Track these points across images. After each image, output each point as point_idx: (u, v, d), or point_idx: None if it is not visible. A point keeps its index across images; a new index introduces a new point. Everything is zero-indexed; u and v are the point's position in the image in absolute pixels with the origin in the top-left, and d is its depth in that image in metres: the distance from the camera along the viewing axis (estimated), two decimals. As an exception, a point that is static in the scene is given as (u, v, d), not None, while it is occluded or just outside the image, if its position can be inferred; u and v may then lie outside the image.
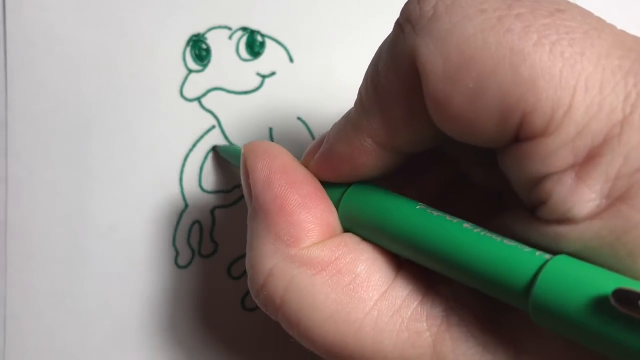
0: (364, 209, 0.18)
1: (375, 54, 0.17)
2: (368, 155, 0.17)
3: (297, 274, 0.17)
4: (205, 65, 0.27)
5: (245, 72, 0.27)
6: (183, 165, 0.27)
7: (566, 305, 0.13)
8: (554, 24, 0.14)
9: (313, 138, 0.27)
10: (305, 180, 0.18)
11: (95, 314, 0.27)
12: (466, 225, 0.15)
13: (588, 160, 0.13)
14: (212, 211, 0.27)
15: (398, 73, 0.15)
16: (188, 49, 0.27)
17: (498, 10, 0.14)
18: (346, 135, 0.18)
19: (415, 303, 0.16)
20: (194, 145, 0.27)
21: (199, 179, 0.27)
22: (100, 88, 0.27)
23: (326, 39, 0.27)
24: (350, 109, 0.18)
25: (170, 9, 0.27)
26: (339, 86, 0.27)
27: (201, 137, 0.27)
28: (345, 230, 0.19)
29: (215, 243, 0.27)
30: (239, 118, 0.27)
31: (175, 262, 0.27)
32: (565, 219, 0.14)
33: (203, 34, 0.27)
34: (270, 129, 0.27)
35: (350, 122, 0.17)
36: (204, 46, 0.27)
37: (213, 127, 0.27)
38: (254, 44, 0.27)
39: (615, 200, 0.13)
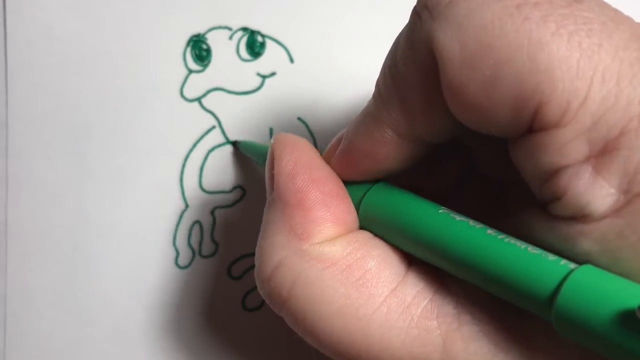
0: (386, 211, 0.18)
1: (393, 44, 0.17)
2: (389, 147, 0.17)
3: (307, 267, 0.17)
4: (205, 66, 0.27)
5: (246, 73, 0.27)
6: (183, 165, 0.27)
7: (590, 318, 0.13)
8: (572, 14, 0.14)
9: (313, 138, 0.27)
10: (329, 179, 0.18)
11: (95, 314, 0.27)
12: (490, 231, 0.15)
13: (605, 152, 0.13)
14: (212, 211, 0.27)
15: (416, 61, 0.15)
16: (188, 49, 0.27)
17: None
18: (366, 128, 0.17)
19: (426, 301, 0.16)
20: (194, 145, 0.27)
21: (199, 179, 0.27)
22: (100, 88, 0.27)
23: (326, 39, 0.27)
24: (368, 103, 0.18)
25: (170, 9, 0.27)
26: (339, 86, 0.27)
27: (201, 137, 0.27)
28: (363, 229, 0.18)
29: (216, 243, 0.27)
30: (239, 118, 0.27)
31: (176, 263, 0.27)
32: (582, 216, 0.13)
33: (203, 34, 0.27)
34: (271, 129, 0.27)
35: (369, 115, 0.17)
36: (204, 46, 0.27)
37: (213, 127, 0.27)
38: (255, 45, 0.27)
39: (634, 196, 0.13)
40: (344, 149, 0.18)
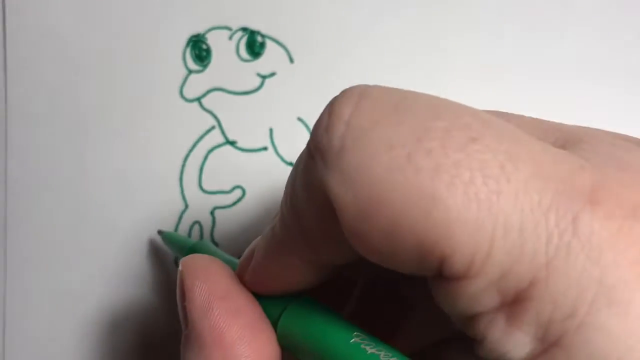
0: (300, 336, 0.17)
1: (292, 171, 0.16)
2: (298, 272, 0.17)
3: None
4: (205, 66, 0.27)
5: (246, 73, 0.27)
6: (183, 165, 0.27)
7: None
8: (466, 159, 0.13)
9: (313, 138, 0.27)
10: (246, 308, 0.17)
11: (95, 314, 0.27)
12: None
13: (517, 302, 0.13)
14: (212, 212, 0.27)
15: (313, 200, 0.15)
16: (188, 50, 0.27)
17: (407, 146, 0.13)
18: (273, 252, 0.17)
19: None
20: (194, 145, 0.27)
21: (199, 179, 0.27)
22: (100, 88, 0.27)
23: (326, 39, 0.27)
24: (274, 222, 0.17)
25: (170, 10, 0.27)
26: (339, 86, 0.27)
27: (201, 137, 0.27)
28: (286, 349, 0.18)
29: (216, 244, 0.27)
30: (239, 118, 0.27)
31: (175, 263, 0.27)
32: None
33: (203, 35, 0.27)
34: (271, 129, 0.27)
35: (275, 239, 0.17)
36: (204, 47, 0.27)
37: (213, 127, 0.27)
38: (254, 45, 0.27)
39: (550, 345, 0.12)
40: (254, 268, 0.18)
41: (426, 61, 0.27)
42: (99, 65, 0.27)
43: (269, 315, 0.18)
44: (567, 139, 0.15)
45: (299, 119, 0.27)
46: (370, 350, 0.15)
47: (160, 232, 0.26)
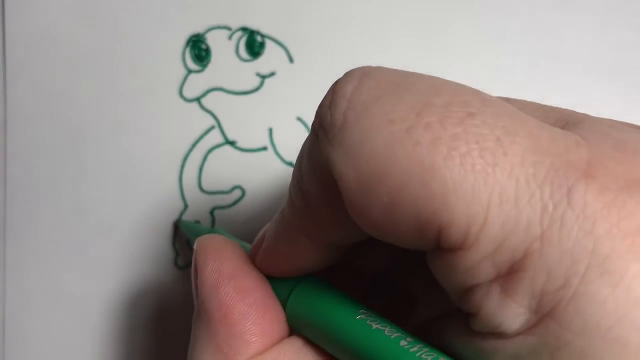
0: (308, 315, 0.17)
1: (299, 154, 0.16)
2: (307, 252, 0.17)
3: None
4: (204, 66, 0.27)
5: (245, 73, 0.27)
6: (182, 165, 0.27)
7: None
8: (464, 133, 0.13)
9: (313, 138, 0.27)
10: (254, 287, 0.18)
11: (95, 314, 0.27)
12: (403, 342, 0.15)
13: (512, 274, 0.13)
14: (211, 212, 0.27)
15: (318, 178, 0.15)
16: (187, 49, 0.27)
17: (407, 121, 0.13)
18: (283, 234, 0.17)
19: None
20: (194, 145, 0.27)
21: (198, 179, 0.27)
22: (99, 88, 0.27)
23: (326, 39, 0.27)
24: (284, 206, 0.17)
25: (169, 9, 0.27)
26: (339, 86, 0.27)
27: (201, 137, 0.27)
28: (295, 329, 0.18)
29: (215, 244, 0.27)
30: (238, 118, 0.27)
31: (175, 263, 0.27)
32: (496, 333, 0.13)
33: (203, 34, 0.27)
34: (270, 129, 0.27)
35: (284, 221, 0.17)
36: (203, 46, 0.27)
37: (213, 127, 0.27)
38: (254, 44, 0.27)
39: (544, 316, 0.13)
40: (265, 250, 0.18)
41: (426, 61, 0.27)
42: (99, 65, 0.27)
43: (279, 295, 0.18)
44: (567, 121, 0.15)
45: (299, 119, 0.27)
46: (375, 326, 0.16)
47: (179, 222, 0.27)
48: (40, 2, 0.27)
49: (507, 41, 0.27)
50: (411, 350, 0.15)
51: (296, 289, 0.18)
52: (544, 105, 0.16)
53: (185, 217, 0.27)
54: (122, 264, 0.27)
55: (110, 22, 0.27)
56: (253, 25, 0.27)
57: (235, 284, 0.18)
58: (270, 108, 0.27)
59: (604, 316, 0.12)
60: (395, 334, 0.15)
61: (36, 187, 0.27)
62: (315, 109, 0.15)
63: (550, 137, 0.13)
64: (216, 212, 0.27)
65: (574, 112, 0.16)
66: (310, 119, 0.27)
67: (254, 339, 0.17)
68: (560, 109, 0.16)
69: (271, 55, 0.27)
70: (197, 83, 0.27)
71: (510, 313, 0.13)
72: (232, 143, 0.27)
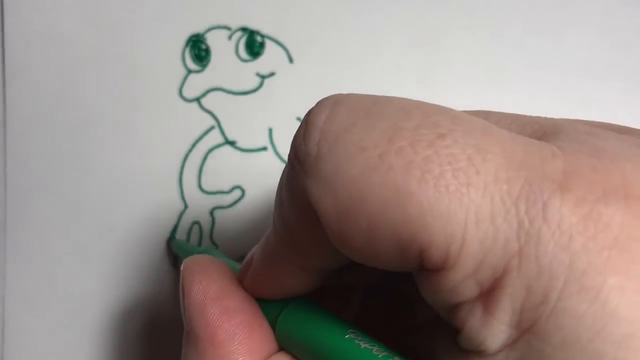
0: (298, 335, 0.17)
1: (279, 183, 0.16)
2: (293, 278, 0.17)
3: None
4: (204, 66, 0.27)
5: (245, 73, 0.27)
6: (182, 166, 0.27)
7: None
8: (435, 155, 0.13)
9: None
10: (241, 308, 0.18)
11: (95, 314, 0.27)
12: None
13: (493, 291, 0.13)
14: (211, 212, 0.27)
15: (298, 208, 0.15)
16: (187, 49, 0.27)
17: (379, 147, 0.13)
18: (267, 261, 0.17)
19: None
20: (193, 146, 0.27)
21: (198, 179, 0.27)
22: (99, 88, 0.27)
23: (326, 39, 0.27)
24: (269, 231, 0.17)
25: (169, 9, 0.27)
26: (339, 86, 0.27)
27: (200, 137, 0.27)
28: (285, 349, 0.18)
29: (215, 244, 0.27)
30: (238, 118, 0.27)
31: (174, 264, 0.27)
32: (480, 351, 0.13)
33: (202, 34, 0.27)
34: (270, 130, 0.27)
35: (269, 247, 0.17)
36: (203, 46, 0.27)
37: (212, 127, 0.27)
38: (254, 45, 0.27)
39: (525, 331, 0.13)
40: (252, 273, 0.18)
41: (426, 62, 0.27)
42: (99, 65, 0.27)
43: (268, 316, 0.18)
44: (545, 131, 0.15)
45: (299, 119, 0.27)
46: (363, 345, 0.16)
47: (170, 240, 0.27)
48: (40, 2, 0.27)
49: (507, 42, 0.27)
50: None
51: (285, 310, 0.18)
52: (522, 116, 0.16)
53: (184, 218, 0.27)
54: (122, 264, 0.27)
55: (110, 22, 0.27)
56: (253, 25, 0.27)
57: (221, 305, 0.18)
58: (270, 108, 0.27)
59: (582, 330, 0.12)
60: (383, 353, 0.15)
61: (36, 187, 0.27)
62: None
63: (524, 150, 0.13)
64: (216, 212, 0.27)
65: (553, 120, 0.16)
66: (310, 119, 0.27)
67: (240, 359, 0.17)
68: (539, 118, 0.16)
69: (271, 56, 0.27)
70: (197, 83, 0.27)
71: (492, 330, 0.13)
72: (232, 143, 0.27)
